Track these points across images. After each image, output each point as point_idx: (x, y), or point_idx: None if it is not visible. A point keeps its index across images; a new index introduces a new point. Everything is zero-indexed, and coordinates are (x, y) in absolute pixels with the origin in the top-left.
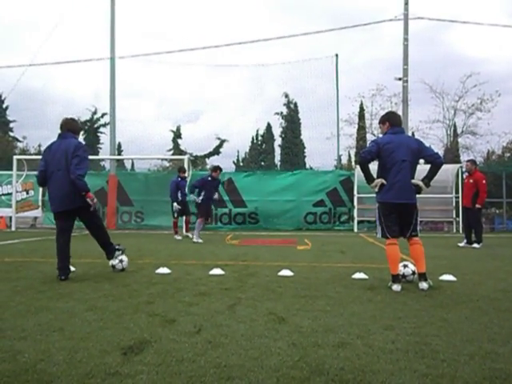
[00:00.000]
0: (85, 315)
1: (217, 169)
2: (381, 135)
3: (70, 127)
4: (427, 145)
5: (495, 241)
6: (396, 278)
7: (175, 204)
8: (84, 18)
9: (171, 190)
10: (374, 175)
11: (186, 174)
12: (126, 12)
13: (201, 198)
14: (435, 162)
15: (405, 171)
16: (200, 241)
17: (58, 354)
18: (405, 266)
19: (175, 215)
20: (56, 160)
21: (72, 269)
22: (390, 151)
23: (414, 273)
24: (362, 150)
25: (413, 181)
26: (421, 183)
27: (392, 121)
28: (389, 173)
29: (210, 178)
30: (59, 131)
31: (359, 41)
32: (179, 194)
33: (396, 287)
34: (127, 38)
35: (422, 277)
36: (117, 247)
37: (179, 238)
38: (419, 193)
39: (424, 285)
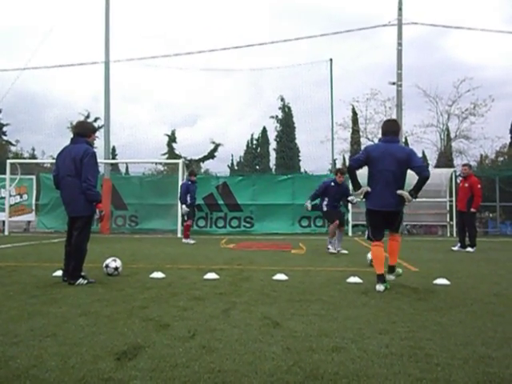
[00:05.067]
0: (78, 320)
1: (338, 172)
2: (376, 139)
3: (79, 131)
4: (419, 156)
5: (489, 245)
6: (380, 278)
7: (184, 206)
8: (81, 21)
9: (181, 193)
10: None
11: (195, 178)
12: (123, 16)
13: (325, 203)
14: (420, 175)
15: (387, 181)
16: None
17: (50, 359)
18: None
19: (185, 218)
20: (66, 165)
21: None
22: (376, 160)
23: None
24: (351, 157)
25: (398, 191)
26: (405, 194)
27: (384, 129)
28: (373, 181)
29: (333, 184)
30: (71, 136)
31: (356, 47)
32: (188, 197)
33: (379, 287)
34: (124, 42)
35: (391, 269)
36: (83, 274)
37: (192, 242)
38: (403, 203)
39: (391, 277)
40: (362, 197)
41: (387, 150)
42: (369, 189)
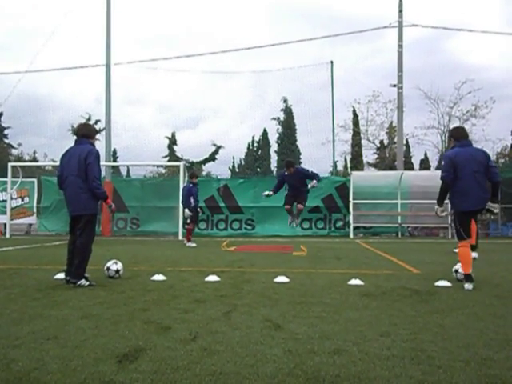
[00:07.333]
0: (79, 323)
1: (285, 167)
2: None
3: (83, 132)
4: (491, 158)
5: (490, 246)
6: (468, 278)
7: (187, 210)
8: (82, 24)
9: (183, 197)
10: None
11: (196, 180)
12: (124, 18)
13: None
14: (491, 180)
15: (477, 181)
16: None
17: (52, 362)
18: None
19: (188, 221)
20: (70, 165)
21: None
22: (462, 164)
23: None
24: (442, 173)
25: (488, 205)
26: (491, 206)
27: (455, 135)
28: (461, 183)
29: (286, 173)
30: (75, 138)
31: (358, 49)
32: (192, 200)
33: (468, 286)
34: (125, 45)
35: (472, 247)
36: (86, 276)
37: (194, 245)
38: (493, 213)
39: (473, 254)
40: (443, 214)
41: (469, 154)
42: (448, 211)
